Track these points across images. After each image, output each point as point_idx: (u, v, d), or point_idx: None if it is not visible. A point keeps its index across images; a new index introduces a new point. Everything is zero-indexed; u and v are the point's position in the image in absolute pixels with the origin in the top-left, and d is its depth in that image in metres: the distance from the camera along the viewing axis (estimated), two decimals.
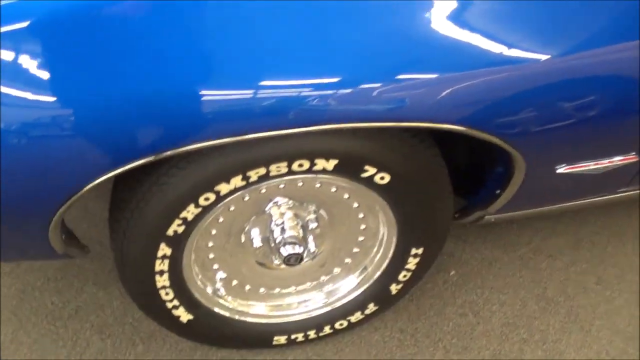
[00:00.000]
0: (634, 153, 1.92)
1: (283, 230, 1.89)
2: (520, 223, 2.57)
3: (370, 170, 1.69)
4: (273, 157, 1.62)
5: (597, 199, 2.17)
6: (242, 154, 1.59)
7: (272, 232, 1.90)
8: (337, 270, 2.07)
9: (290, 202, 1.88)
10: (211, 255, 1.94)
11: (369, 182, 1.73)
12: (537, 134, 1.70)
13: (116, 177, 1.64)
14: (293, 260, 1.88)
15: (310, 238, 1.96)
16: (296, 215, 1.90)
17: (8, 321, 2.29)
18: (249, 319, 2.08)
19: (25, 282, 2.39)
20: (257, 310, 2.08)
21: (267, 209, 1.88)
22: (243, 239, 1.93)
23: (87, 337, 2.25)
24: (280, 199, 1.86)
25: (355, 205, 1.89)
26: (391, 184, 1.74)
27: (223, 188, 1.64)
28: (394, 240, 1.96)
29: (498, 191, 1.92)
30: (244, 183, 1.65)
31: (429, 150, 1.76)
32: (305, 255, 1.92)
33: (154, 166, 1.60)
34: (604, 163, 1.90)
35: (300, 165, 1.64)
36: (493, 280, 2.42)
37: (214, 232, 1.87)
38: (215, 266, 1.97)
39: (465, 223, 2.10)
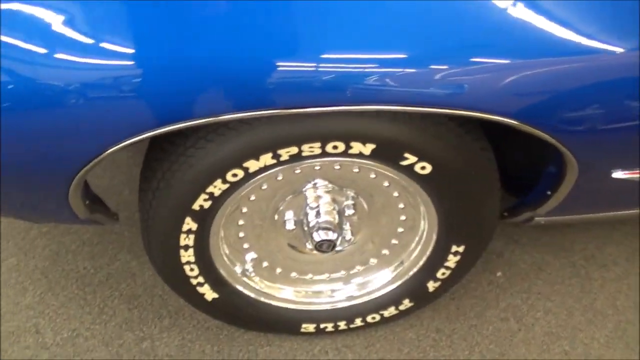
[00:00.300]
0: None
1: (318, 214, 1.80)
2: (576, 228, 2.42)
3: (410, 159, 1.59)
4: (306, 136, 1.53)
5: None
6: (273, 130, 1.51)
7: (306, 215, 1.82)
8: (373, 261, 1.98)
9: (329, 185, 1.79)
10: (241, 234, 1.86)
11: (409, 171, 1.63)
12: (594, 134, 1.58)
13: (148, 147, 1.65)
14: (325, 246, 1.80)
15: (347, 225, 1.88)
16: (334, 200, 1.81)
17: (38, 282, 2.26)
18: (276, 303, 2.00)
19: (61, 244, 2.36)
20: (285, 295, 2.01)
21: (303, 190, 1.79)
22: (276, 219, 1.85)
23: (114, 305, 2.20)
24: (319, 181, 1.78)
25: (396, 194, 1.79)
26: (433, 175, 1.64)
27: (252, 165, 1.57)
28: (434, 235, 1.85)
29: (549, 192, 1.80)
30: (274, 161, 1.57)
31: (477, 143, 1.64)
32: (339, 242, 1.82)
33: (183, 137, 1.55)
34: None
35: (335, 147, 1.55)
36: (541, 286, 2.28)
37: (244, 210, 1.80)
38: (246, 245, 1.89)
39: (514, 223, 1.96)
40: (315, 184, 1.78)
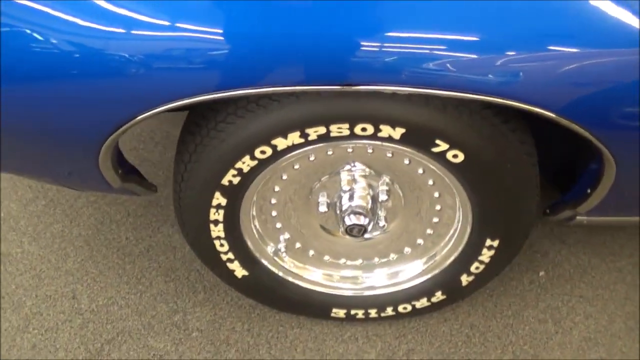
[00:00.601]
0: None
1: (351, 197, 1.78)
2: (627, 232, 2.34)
3: (442, 146, 1.55)
4: (334, 116, 1.52)
5: None
6: (301, 109, 1.51)
7: (340, 198, 1.80)
8: (407, 250, 1.96)
9: (365, 169, 1.77)
10: (274, 213, 1.86)
11: (441, 158, 1.59)
12: (632, 132, 1.52)
13: (185, 120, 1.68)
14: (356, 231, 1.77)
15: (381, 211, 1.86)
16: (368, 185, 1.79)
17: (80, 249, 2.30)
18: (307, 285, 1.99)
19: (105, 214, 2.39)
20: (316, 277, 1.99)
21: (338, 172, 1.77)
22: (310, 200, 1.84)
23: (152, 277, 2.22)
24: (354, 165, 1.76)
25: (430, 182, 1.76)
26: (465, 164, 1.59)
27: (280, 143, 1.56)
28: (469, 227, 1.81)
29: (589, 190, 1.73)
30: (302, 140, 1.56)
31: (514, 134, 1.59)
32: (370, 227, 1.79)
33: (214, 112, 1.56)
34: None
35: (364, 130, 1.53)
36: (584, 289, 2.21)
37: (277, 188, 1.80)
38: (278, 225, 1.89)
39: (557, 221, 1.89)
40: (350, 167, 1.76)
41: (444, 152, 1.57)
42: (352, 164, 1.76)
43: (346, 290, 2.00)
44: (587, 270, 2.24)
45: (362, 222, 1.77)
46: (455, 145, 1.56)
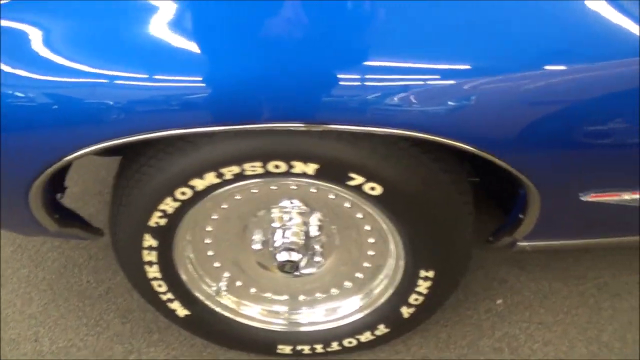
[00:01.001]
0: None
1: (284, 234, 1.78)
2: (591, 254, 2.30)
3: (356, 179, 1.54)
4: (246, 155, 1.51)
5: None
6: (214, 149, 1.51)
7: (273, 234, 1.78)
8: (348, 284, 1.93)
9: (296, 205, 1.76)
10: (210, 252, 1.85)
11: (359, 191, 1.57)
12: (546, 158, 1.51)
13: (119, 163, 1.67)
14: (288, 267, 1.76)
15: (317, 247, 1.84)
16: (301, 222, 1.78)
17: (43, 293, 2.33)
18: (251, 322, 1.97)
19: (69, 258, 2.42)
20: (258, 314, 1.97)
21: (270, 209, 1.77)
22: (245, 238, 1.83)
23: (109, 318, 2.23)
24: (287, 201, 1.75)
25: (360, 215, 1.74)
26: (385, 196, 1.57)
27: (198, 184, 1.56)
28: (402, 258, 1.78)
29: (521, 215, 1.70)
30: (219, 180, 1.56)
31: (437, 164, 1.57)
32: (304, 264, 1.79)
33: (139, 155, 1.57)
34: None
35: (277, 167, 1.52)
36: (543, 315, 2.16)
37: (209, 228, 1.79)
38: (217, 264, 1.88)
39: (499, 247, 1.86)
40: (284, 203, 1.75)
41: (360, 186, 1.55)
42: (287, 200, 1.75)
43: (290, 326, 1.98)
44: (547, 296, 2.20)
45: (295, 258, 1.75)
46: (371, 178, 1.54)
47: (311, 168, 1.52)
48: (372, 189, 1.55)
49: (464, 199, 1.67)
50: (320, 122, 1.40)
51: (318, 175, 1.54)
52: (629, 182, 1.62)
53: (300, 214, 1.77)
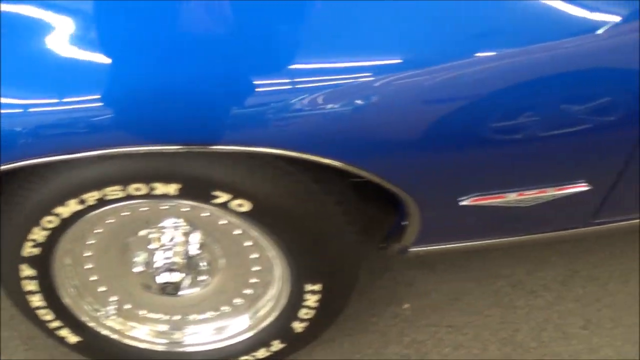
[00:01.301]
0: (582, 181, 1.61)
1: (163, 255, 1.72)
2: (505, 251, 2.23)
3: (222, 197, 1.49)
4: (104, 180, 1.46)
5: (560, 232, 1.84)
6: (72, 176, 1.46)
7: (153, 255, 1.73)
8: (238, 301, 1.86)
9: (176, 224, 1.70)
10: (93, 277, 1.79)
11: (227, 209, 1.52)
12: (415, 167, 1.49)
13: None
14: (170, 289, 1.70)
15: (200, 266, 1.79)
16: (183, 241, 1.72)
17: None
18: (144, 345, 1.92)
19: None
20: (150, 337, 1.92)
21: (146, 230, 1.71)
22: (125, 261, 1.77)
23: (14, 345, 2.17)
24: (166, 220, 1.69)
25: (238, 232, 1.68)
26: (255, 213, 1.52)
27: (62, 211, 1.51)
28: (287, 272, 1.73)
29: (405, 222, 1.66)
30: (82, 207, 1.51)
31: (305, 174, 1.52)
32: (187, 284, 1.73)
33: (6, 185, 1.52)
34: (529, 194, 1.58)
35: (138, 189, 1.47)
36: (454, 318, 2.11)
37: (88, 253, 1.73)
38: (102, 288, 1.82)
39: (393, 253, 1.82)
40: (163, 222, 1.70)
41: (226, 203, 1.50)
42: (168, 219, 1.69)
43: (183, 346, 1.94)
44: (458, 297, 2.15)
45: (175, 279, 1.70)
46: (238, 194, 1.49)
47: (173, 188, 1.47)
48: (240, 205, 1.50)
49: (342, 208, 1.61)
50: (179, 143, 1.36)
51: (181, 195, 1.49)
52: (511, 182, 1.57)
53: (181, 233, 1.71)
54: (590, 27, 1.30)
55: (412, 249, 1.78)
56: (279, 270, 1.74)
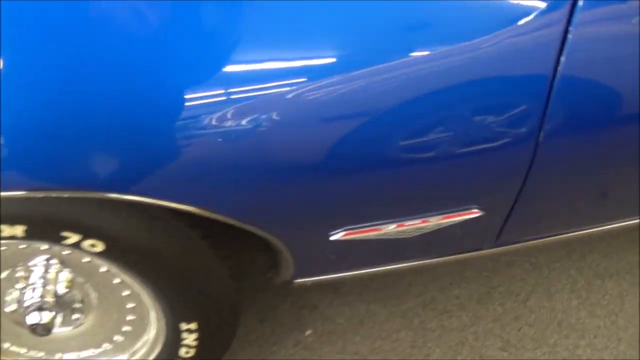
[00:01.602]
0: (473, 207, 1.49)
1: (31, 295, 1.57)
2: (416, 269, 2.11)
3: (72, 237, 1.38)
4: None
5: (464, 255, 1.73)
6: None
7: (22, 294, 1.59)
8: (118, 338, 1.75)
9: (47, 262, 1.57)
10: None
11: (79, 249, 1.41)
12: (271, 207, 1.38)
13: None
14: (40, 330, 1.57)
15: (74, 304, 1.67)
16: (52, 279, 1.58)
17: None
18: None
19: None
20: None
21: (14, 269, 1.59)
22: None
23: None
24: (37, 258, 1.56)
25: (105, 269, 1.56)
26: (110, 252, 1.41)
27: None
28: (161, 312, 1.62)
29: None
30: None
31: (159, 212, 1.39)
32: (58, 323, 1.62)
33: None
34: (411, 224, 1.46)
35: None
36: (359, 344, 1.99)
37: None
38: None
39: (281, 283, 1.70)
40: (33, 261, 1.57)
41: (78, 243, 1.39)
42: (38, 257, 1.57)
43: None
44: (363, 321, 2.03)
45: (45, 319, 1.57)
46: (88, 235, 1.38)
47: (19, 230, 1.36)
48: (93, 245, 1.40)
49: (209, 243, 1.50)
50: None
51: (29, 237, 1.38)
52: (385, 214, 1.46)
53: (54, 271, 1.58)
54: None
55: (297, 280, 1.65)
56: (152, 308, 1.63)
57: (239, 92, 1.14)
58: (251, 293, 2.00)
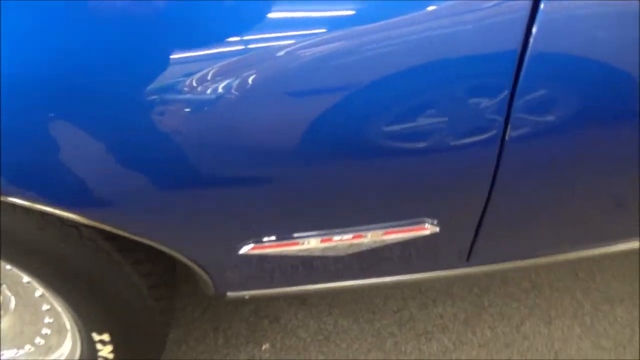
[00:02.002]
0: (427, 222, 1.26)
1: None
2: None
3: None
4: None
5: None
6: None
7: None
8: (40, 341, 1.61)
9: None
10: None
11: None
12: (150, 213, 1.18)
13: None
14: None
15: None
16: None
17: None
18: None
19: None
20: None
21: None
22: None
23: None
24: None
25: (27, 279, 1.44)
26: (8, 256, 1.28)
27: None
28: (72, 319, 1.47)
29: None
30: None
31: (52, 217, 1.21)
32: None
33: None
34: (339, 241, 1.24)
35: None
36: None
37: None
38: None
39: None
40: None
41: None
42: None
43: None
44: (330, 337, 1.80)
45: None
46: None
47: None
48: None
49: (113, 258, 1.33)
50: None
51: None
52: (297, 226, 1.24)
53: None
54: None
55: (229, 293, 1.45)
56: (64, 314, 1.49)
57: None
58: (206, 298, 1.79)
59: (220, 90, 0.96)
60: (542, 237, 1.45)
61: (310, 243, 1.26)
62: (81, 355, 1.55)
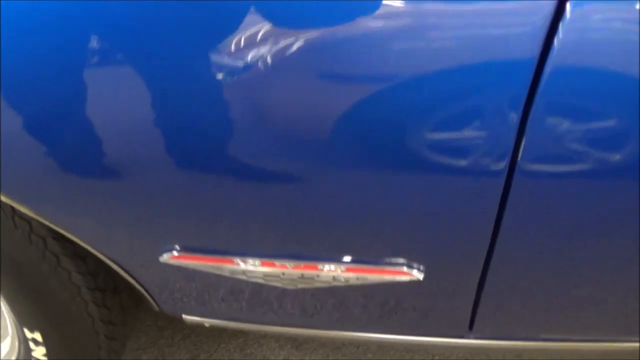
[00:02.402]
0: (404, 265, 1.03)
1: None
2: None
3: None
4: None
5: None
6: None
7: None
8: None
9: None
10: None
11: None
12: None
13: None
14: None
15: None
16: None
17: None
18: None
19: None
20: None
21: None
22: None
23: None
24: None
25: None
26: None
27: None
28: (8, 307, 1.39)
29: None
30: None
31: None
32: None
33: None
34: (282, 266, 1.05)
35: None
36: None
37: None
38: None
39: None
40: None
41: None
42: None
43: None
44: None
45: None
46: None
47: None
48: None
49: (56, 248, 1.22)
50: None
51: None
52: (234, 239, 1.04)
53: None
54: None
55: (185, 316, 1.25)
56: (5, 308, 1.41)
57: None
58: (190, 325, 1.61)
59: None
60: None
61: (247, 264, 1.05)
62: (18, 355, 1.45)
